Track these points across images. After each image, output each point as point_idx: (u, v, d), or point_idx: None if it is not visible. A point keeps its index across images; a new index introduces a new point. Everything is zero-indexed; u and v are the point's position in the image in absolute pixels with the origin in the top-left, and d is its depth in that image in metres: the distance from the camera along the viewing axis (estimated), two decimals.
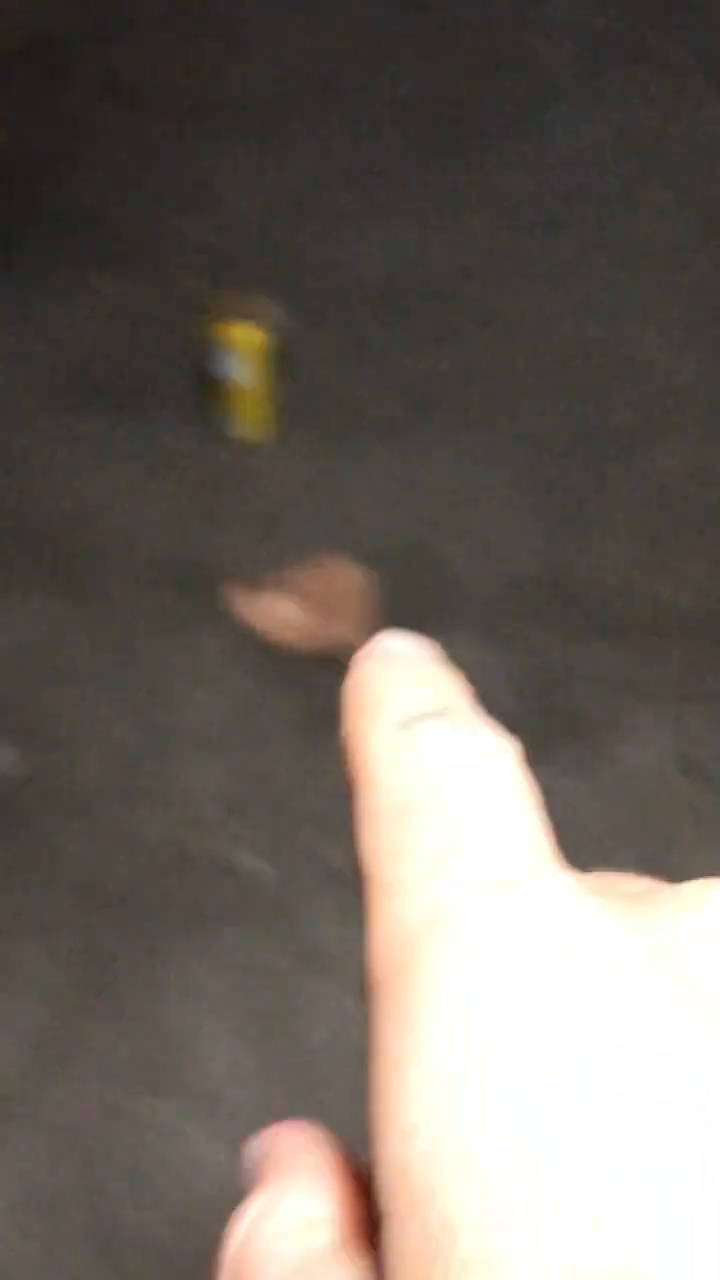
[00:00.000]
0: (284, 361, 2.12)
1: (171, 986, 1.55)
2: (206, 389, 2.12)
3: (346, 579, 1.88)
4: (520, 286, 2.35)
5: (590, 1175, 0.15)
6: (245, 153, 2.58)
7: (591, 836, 1.61)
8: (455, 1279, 0.15)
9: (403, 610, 1.87)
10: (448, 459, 2.09)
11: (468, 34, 2.80)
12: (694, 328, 2.32)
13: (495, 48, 2.78)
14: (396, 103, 2.65)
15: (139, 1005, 1.54)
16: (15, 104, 2.72)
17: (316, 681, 1.79)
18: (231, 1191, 0.20)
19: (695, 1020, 0.16)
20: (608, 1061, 0.16)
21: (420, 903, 0.18)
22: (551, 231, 2.44)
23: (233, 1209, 0.19)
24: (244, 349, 1.99)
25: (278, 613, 1.86)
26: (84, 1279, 1.38)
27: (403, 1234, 0.16)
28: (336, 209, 2.49)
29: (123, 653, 1.86)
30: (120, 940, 1.59)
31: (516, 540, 1.99)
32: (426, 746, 0.20)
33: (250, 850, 1.66)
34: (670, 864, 1.25)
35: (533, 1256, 0.14)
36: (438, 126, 2.62)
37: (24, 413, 2.17)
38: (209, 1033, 1.51)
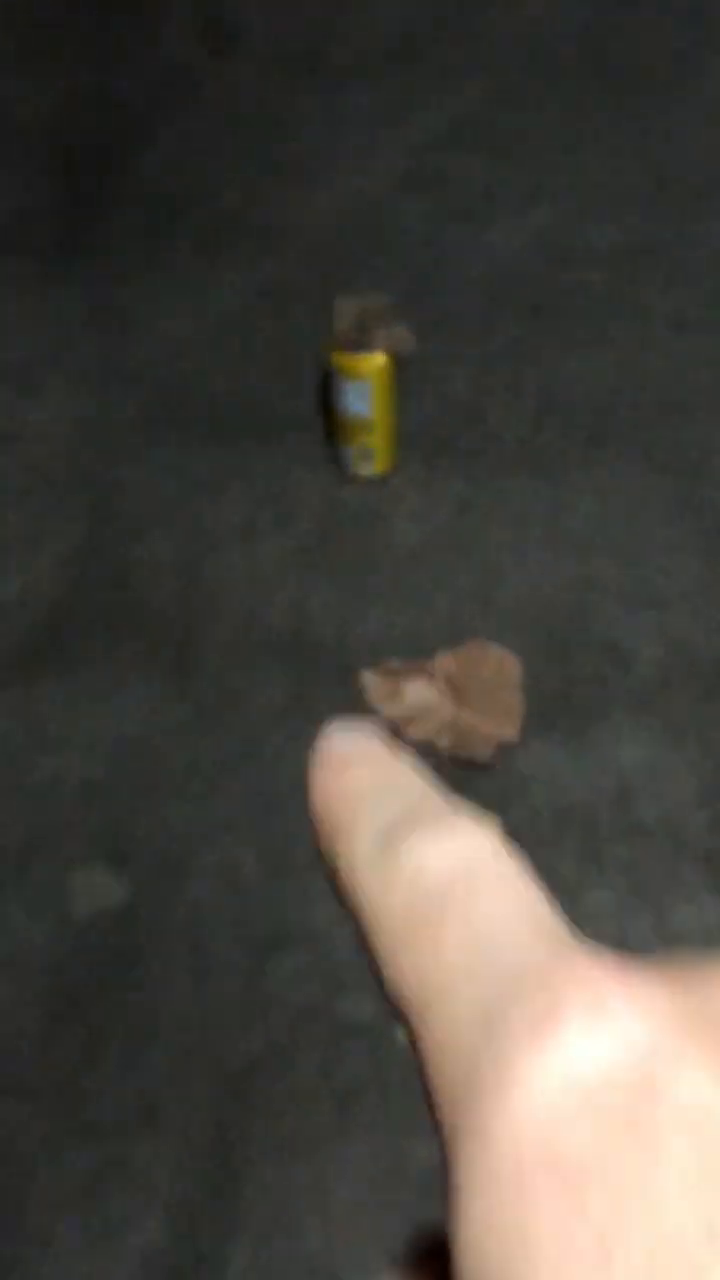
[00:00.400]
0: (411, 378, 1.82)
1: (307, 1190, 1.32)
2: (326, 420, 1.84)
3: (495, 666, 1.61)
4: (687, 274, 2.02)
5: None
6: (364, 112, 2.25)
7: None
8: None
9: (559, 698, 1.60)
10: (603, 495, 1.79)
11: None
12: None
13: None
14: (540, 50, 2.29)
15: (271, 1216, 1.31)
16: (100, 50, 2.39)
17: (464, 790, 1.53)
18: None
19: None
20: (651, 1184, 0.15)
21: (461, 1024, 0.18)
22: None
23: None
24: (369, 380, 1.69)
25: (416, 704, 1.60)
26: None
27: None
28: (471, 181, 2.15)
29: (233, 749, 1.61)
30: (248, 1126, 1.36)
31: (689, 604, 1.69)
32: (410, 860, 0.20)
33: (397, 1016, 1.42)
34: None
35: None
36: (589, 77, 2.26)
37: (113, 440, 1.90)
38: (351, 1255, 1.29)
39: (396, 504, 1.80)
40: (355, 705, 1.62)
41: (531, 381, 1.91)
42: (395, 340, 1.69)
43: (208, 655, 1.68)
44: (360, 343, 1.69)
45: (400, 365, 1.73)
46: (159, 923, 1.49)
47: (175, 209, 2.17)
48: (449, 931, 0.19)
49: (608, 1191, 0.15)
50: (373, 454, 1.78)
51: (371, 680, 1.62)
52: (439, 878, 0.20)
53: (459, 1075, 0.17)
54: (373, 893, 0.20)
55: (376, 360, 1.69)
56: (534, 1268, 0.15)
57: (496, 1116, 0.17)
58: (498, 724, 1.57)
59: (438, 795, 0.22)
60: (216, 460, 1.86)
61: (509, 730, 1.57)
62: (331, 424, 1.79)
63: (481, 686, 1.60)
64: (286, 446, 1.86)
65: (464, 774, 1.55)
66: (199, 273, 2.07)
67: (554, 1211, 0.16)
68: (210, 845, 1.54)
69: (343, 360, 1.69)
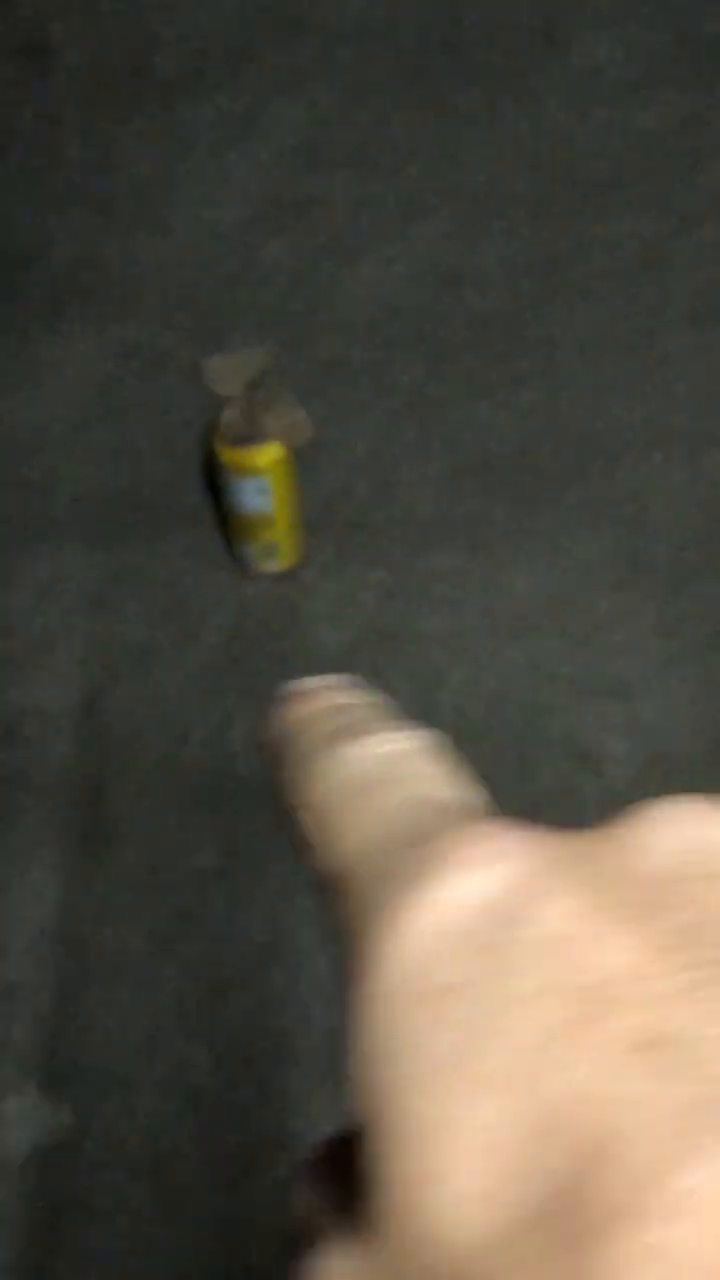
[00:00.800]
0: (307, 447, 1.61)
1: None
2: (220, 516, 1.62)
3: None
4: (593, 288, 1.83)
5: (505, 1061, 0.17)
6: (204, 131, 2.00)
7: None
8: (407, 1145, 0.17)
9: (527, 819, 1.41)
10: (540, 564, 1.61)
11: None
12: None
13: None
14: (392, 41, 2.06)
15: None
16: None
17: None
18: None
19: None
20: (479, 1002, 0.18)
21: (366, 885, 0.20)
22: (618, 192, 1.90)
23: None
24: (266, 475, 1.48)
25: None
26: None
27: (374, 1134, 0.18)
28: (337, 202, 1.93)
29: (168, 925, 1.40)
30: None
31: (654, 687, 1.52)
32: (336, 760, 0.23)
33: None
34: None
35: (473, 1117, 0.17)
36: (449, 66, 2.04)
37: None
38: None
39: (311, 601, 1.60)
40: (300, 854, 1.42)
41: (440, 437, 1.71)
42: (290, 429, 1.48)
43: (123, 814, 1.47)
44: (250, 434, 1.47)
45: (298, 449, 1.52)
46: (110, 1151, 1.29)
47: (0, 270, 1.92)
48: (364, 813, 0.21)
49: (464, 1005, 0.18)
50: (277, 549, 1.58)
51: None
52: (360, 773, 0.22)
53: (359, 924, 0.20)
54: (304, 792, 0.23)
55: (272, 452, 1.47)
56: (406, 1075, 0.18)
57: (379, 946, 0.19)
58: None
59: (378, 712, 0.25)
60: (99, 571, 1.63)
61: None
62: (227, 521, 1.57)
63: None
64: (177, 545, 1.64)
65: None
66: (42, 345, 1.82)
67: (420, 1024, 0.18)
68: (157, 1048, 1.34)
69: (233, 457, 1.47)
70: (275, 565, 1.60)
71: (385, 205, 1.93)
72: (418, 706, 1.50)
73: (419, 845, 0.20)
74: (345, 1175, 0.21)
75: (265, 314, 1.82)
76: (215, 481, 1.59)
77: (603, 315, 1.81)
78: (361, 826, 0.21)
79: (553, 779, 1.45)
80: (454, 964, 0.18)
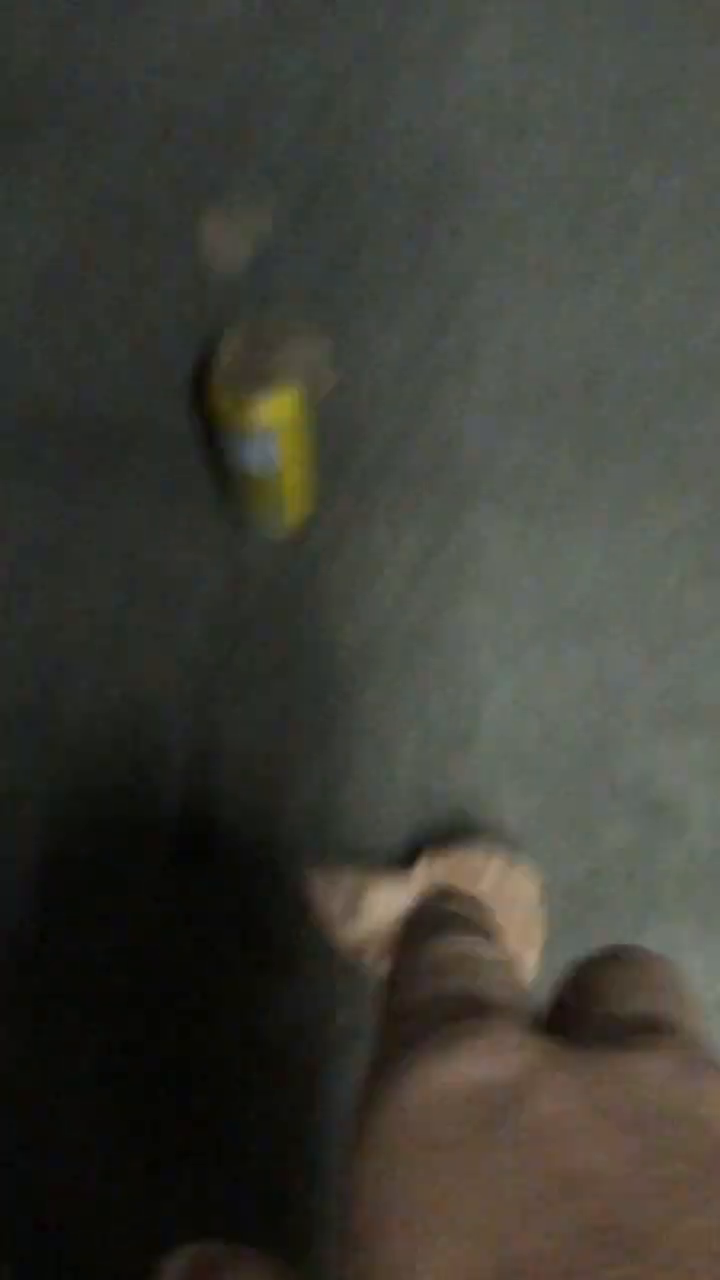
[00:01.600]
0: (326, 395, 1.26)
1: None
2: (215, 472, 1.27)
3: (501, 874, 1.14)
4: (690, 139, 1.43)
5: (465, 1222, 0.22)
6: None
7: None
8: (387, 1273, 0.22)
9: (587, 896, 1.15)
10: (611, 542, 1.28)
11: None
12: None
13: None
14: None
15: None
16: None
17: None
18: None
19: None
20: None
21: (406, 1041, 0.27)
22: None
23: None
24: (274, 432, 1.13)
25: (387, 923, 1.13)
26: None
27: (357, 1251, 0.23)
28: (367, 7, 1.49)
29: (138, 1029, 1.14)
30: None
31: None
32: (430, 943, 0.35)
33: None
34: None
35: (444, 1258, 0.21)
36: None
37: None
38: None
39: (324, 578, 1.27)
40: (296, 925, 1.15)
41: (488, 355, 1.35)
42: (308, 374, 1.12)
43: (87, 857, 1.18)
44: (254, 378, 1.11)
45: (316, 395, 1.16)
46: None
47: None
48: (428, 986, 0.28)
49: (452, 1164, 0.22)
50: (284, 509, 1.24)
51: (321, 888, 1.15)
52: (436, 958, 0.32)
53: (385, 1068, 0.24)
54: (398, 962, 0.35)
55: (283, 403, 1.12)
56: (394, 1210, 0.22)
57: (393, 1092, 0.24)
58: (514, 945, 1.12)
59: (468, 914, 0.43)
60: (53, 519, 1.29)
61: (527, 962, 1.12)
62: (223, 480, 1.23)
63: (480, 896, 1.13)
64: (156, 488, 1.30)
65: None
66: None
67: (412, 1175, 0.22)
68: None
69: (234, 411, 1.12)
70: (280, 530, 1.26)
71: (430, 15, 1.50)
72: (454, 732, 1.20)
73: (451, 1024, 0.25)
74: None
75: (274, 158, 1.42)
76: (212, 442, 1.24)
77: (697, 183, 1.42)
78: (421, 995, 0.28)
79: (620, 839, 1.17)
80: (451, 1126, 0.23)
